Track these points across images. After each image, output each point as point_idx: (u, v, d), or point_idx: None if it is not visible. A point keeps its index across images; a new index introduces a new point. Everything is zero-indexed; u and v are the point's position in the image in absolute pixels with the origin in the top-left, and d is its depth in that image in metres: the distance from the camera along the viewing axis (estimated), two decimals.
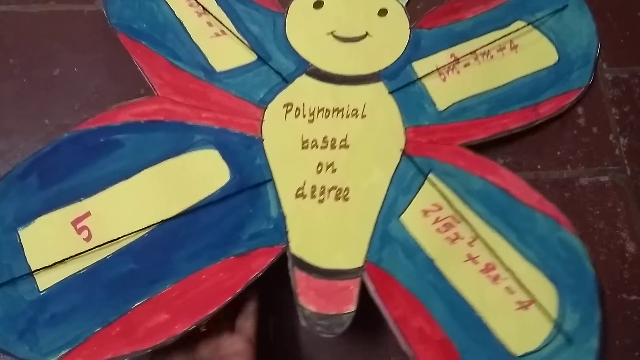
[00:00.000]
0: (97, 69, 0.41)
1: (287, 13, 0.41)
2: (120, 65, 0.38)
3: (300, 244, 0.33)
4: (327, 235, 0.34)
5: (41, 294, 0.30)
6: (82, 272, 0.31)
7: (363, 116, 0.38)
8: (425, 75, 0.40)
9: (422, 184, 0.36)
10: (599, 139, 0.42)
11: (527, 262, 0.34)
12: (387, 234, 0.34)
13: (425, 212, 0.35)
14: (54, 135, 0.33)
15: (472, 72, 0.41)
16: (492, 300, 0.33)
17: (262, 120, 0.37)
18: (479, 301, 0.33)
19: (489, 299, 0.33)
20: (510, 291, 0.33)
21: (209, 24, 0.40)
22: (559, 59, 0.42)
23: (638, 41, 0.45)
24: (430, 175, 0.36)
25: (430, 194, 0.36)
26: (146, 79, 0.37)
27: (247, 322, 0.32)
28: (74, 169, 0.33)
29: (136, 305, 0.30)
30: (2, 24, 0.42)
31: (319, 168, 0.36)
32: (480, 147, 0.38)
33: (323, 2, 0.42)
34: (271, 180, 0.35)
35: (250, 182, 0.35)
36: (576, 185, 0.40)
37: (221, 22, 0.40)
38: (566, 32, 0.43)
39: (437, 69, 0.40)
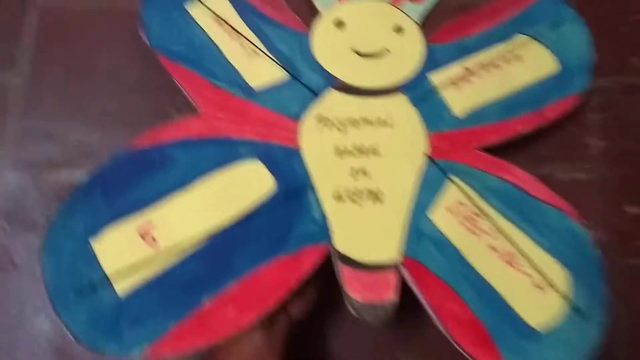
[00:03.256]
0: None
1: (311, 32, 0.48)
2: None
3: (344, 242, 0.40)
4: (366, 233, 0.40)
5: (120, 298, 0.36)
6: (153, 277, 0.37)
7: (389, 125, 0.45)
8: (442, 85, 0.47)
9: (446, 184, 0.43)
10: (578, 140, 0.49)
11: (542, 249, 0.41)
12: (419, 230, 0.41)
13: (450, 209, 0.42)
14: None
15: (483, 82, 0.48)
16: (513, 284, 0.40)
17: (298, 132, 0.44)
18: (502, 285, 0.40)
19: (510, 283, 0.40)
20: (529, 275, 0.40)
21: (242, 45, 0.46)
22: (559, 67, 0.49)
23: (616, 52, 0.52)
24: (452, 176, 0.43)
25: (453, 192, 0.43)
26: (189, 98, 0.44)
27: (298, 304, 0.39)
28: (133, 183, 0.39)
29: (206, 302, 0.36)
30: None
31: (353, 173, 0.42)
32: (498, 149, 0.46)
33: (343, 22, 0.49)
34: (311, 186, 0.42)
35: (293, 188, 0.41)
36: (553, 180, 0.47)
37: (253, 43, 0.46)
38: (564, 43, 0.50)
39: (452, 80, 0.47)
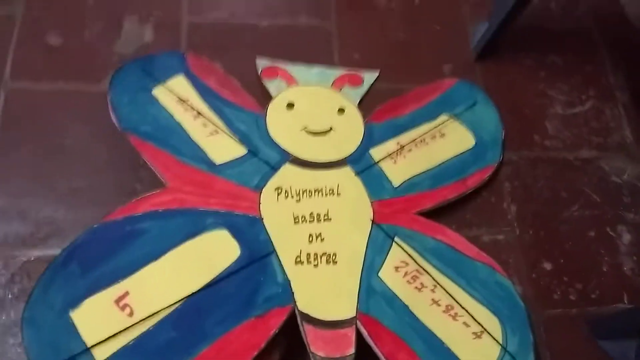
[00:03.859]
0: None
1: (266, 113, 0.54)
2: None
3: (305, 302, 0.44)
4: (325, 293, 0.45)
5: None
6: (130, 343, 0.38)
7: (338, 194, 0.51)
8: (381, 159, 0.54)
9: (391, 245, 0.49)
10: (495, 206, 0.57)
11: (475, 301, 0.48)
12: (371, 288, 0.46)
13: (396, 268, 0.48)
14: None
15: (415, 156, 0.56)
16: (454, 334, 0.46)
17: (260, 203, 0.48)
18: (445, 335, 0.45)
19: (452, 332, 0.46)
20: (467, 325, 0.46)
21: (204, 124, 0.51)
22: (475, 142, 0.59)
23: (521, 131, 0.62)
24: (396, 238, 0.49)
25: (398, 253, 0.49)
26: (157, 174, 0.47)
27: None
28: (108, 255, 0.41)
29: None
30: None
31: (310, 239, 0.47)
32: (430, 213, 0.53)
33: (294, 104, 0.56)
34: (274, 252, 0.46)
35: (258, 255, 0.45)
36: (478, 242, 0.54)
37: (214, 124, 0.51)
38: (478, 121, 0.61)
39: (389, 154, 0.55)
